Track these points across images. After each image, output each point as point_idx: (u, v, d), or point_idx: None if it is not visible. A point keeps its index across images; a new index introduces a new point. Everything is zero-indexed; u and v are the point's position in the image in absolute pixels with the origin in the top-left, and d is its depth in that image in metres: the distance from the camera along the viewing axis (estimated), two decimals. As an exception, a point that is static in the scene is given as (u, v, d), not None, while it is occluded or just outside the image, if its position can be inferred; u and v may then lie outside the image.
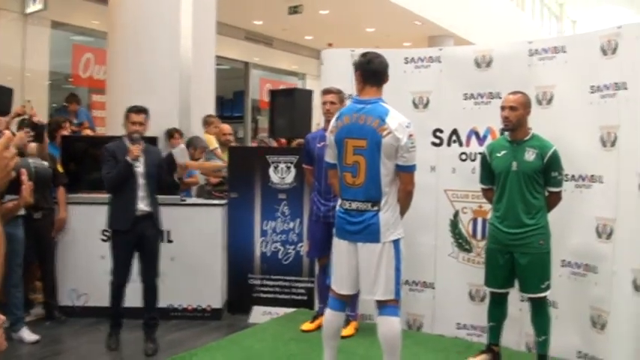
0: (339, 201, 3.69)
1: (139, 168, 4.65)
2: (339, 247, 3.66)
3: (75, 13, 11.04)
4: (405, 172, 3.54)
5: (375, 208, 3.52)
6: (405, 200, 3.61)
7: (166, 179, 4.89)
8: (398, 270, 3.55)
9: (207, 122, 7.47)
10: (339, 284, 3.68)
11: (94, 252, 5.51)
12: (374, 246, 3.51)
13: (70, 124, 6.82)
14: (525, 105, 4.03)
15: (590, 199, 4.18)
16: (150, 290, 4.73)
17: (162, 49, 6.97)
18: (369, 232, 3.51)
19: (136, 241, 4.64)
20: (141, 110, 4.70)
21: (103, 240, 5.49)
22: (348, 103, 4.79)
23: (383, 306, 3.56)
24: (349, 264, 3.61)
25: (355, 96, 3.74)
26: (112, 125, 7.07)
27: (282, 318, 5.37)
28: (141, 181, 4.65)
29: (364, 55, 3.70)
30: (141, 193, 4.65)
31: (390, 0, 12.97)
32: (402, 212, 3.63)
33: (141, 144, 4.64)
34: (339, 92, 4.77)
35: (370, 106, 3.56)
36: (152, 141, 5.76)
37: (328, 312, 3.73)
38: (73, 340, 5.08)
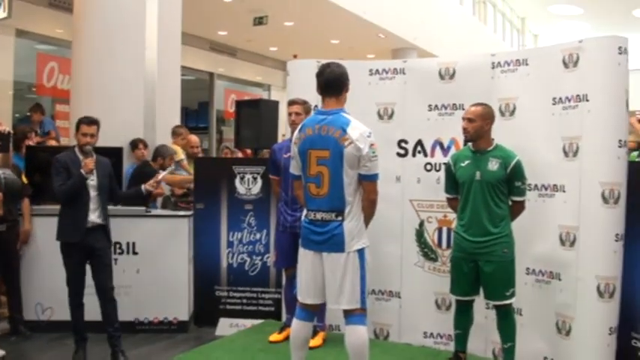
0: (305, 211, 3.72)
1: (92, 180, 4.60)
2: (305, 257, 3.69)
3: (39, 21, 10.84)
4: (368, 182, 3.59)
5: (339, 218, 3.55)
6: (369, 209, 3.66)
7: (117, 190, 4.91)
8: (363, 279, 3.59)
9: (175, 133, 7.43)
10: (305, 294, 3.70)
11: (59, 265, 5.30)
12: (339, 255, 3.55)
13: (36, 134, 6.69)
14: (484, 117, 4.10)
15: (554, 207, 4.27)
16: (107, 302, 4.65)
17: (127, 58, 6.89)
18: (334, 242, 3.55)
19: (86, 253, 4.59)
20: (92, 122, 4.63)
21: (68, 252, 5.41)
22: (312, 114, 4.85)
23: (350, 315, 3.58)
24: (314, 273, 3.63)
25: (319, 108, 3.79)
26: (76, 136, 6.97)
27: (249, 330, 5.33)
28: (92, 193, 4.61)
29: (320, 66, 3.75)
30: (92, 205, 4.61)
31: (354, 13, 13.06)
32: (367, 221, 3.67)
33: (93, 156, 4.59)
34: (304, 103, 4.78)
35: (332, 117, 3.60)
36: (117, 151, 5.74)
37: (295, 322, 3.73)
38: (39, 356, 4.99)
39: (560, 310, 4.22)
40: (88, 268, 4.68)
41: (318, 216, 3.59)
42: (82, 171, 4.49)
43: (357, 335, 3.56)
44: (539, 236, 4.34)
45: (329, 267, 3.57)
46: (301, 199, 3.81)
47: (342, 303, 3.57)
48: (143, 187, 4.89)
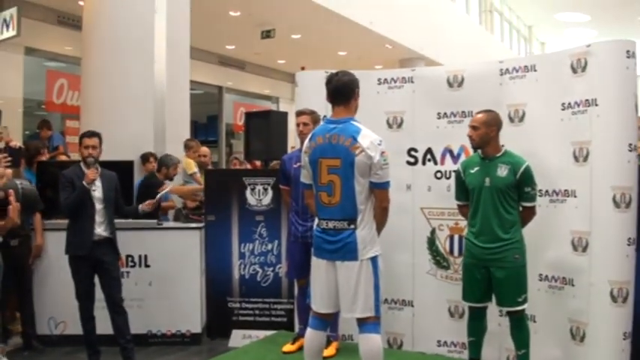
0: (316, 220, 3.72)
1: (96, 192, 4.66)
2: (318, 266, 3.69)
3: (48, 38, 10.97)
4: (379, 189, 3.60)
5: (352, 227, 3.56)
6: (381, 217, 3.66)
7: (122, 205, 4.94)
8: (377, 287, 3.59)
9: (187, 146, 7.52)
10: (319, 303, 3.70)
11: (70, 279, 5.39)
12: (352, 264, 3.55)
13: (48, 150, 6.76)
14: (489, 123, 4.11)
15: (565, 213, 4.26)
16: (118, 314, 4.70)
17: (136, 73, 6.97)
18: (347, 251, 3.56)
19: (94, 266, 4.64)
20: (93, 134, 4.72)
21: (80, 266, 5.44)
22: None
23: (363, 324, 3.58)
24: (328, 283, 3.64)
25: (328, 117, 3.81)
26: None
27: (262, 341, 5.33)
28: (98, 206, 4.66)
29: (328, 76, 3.76)
30: (98, 218, 4.66)
31: (360, 24, 13.12)
32: (379, 229, 3.68)
33: (97, 168, 4.64)
34: (312, 113, 4.81)
35: (342, 125, 3.62)
36: (127, 165, 5.78)
37: (309, 331, 3.73)
38: (52, 370, 5.01)
39: (573, 316, 4.20)
40: (97, 281, 4.73)
41: (331, 225, 3.60)
42: (84, 182, 4.55)
43: (371, 344, 3.55)
44: (551, 242, 4.33)
45: (342, 275, 3.57)
46: (312, 208, 3.82)
47: (356, 311, 3.57)
48: (140, 207, 4.96)
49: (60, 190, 4.62)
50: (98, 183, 4.64)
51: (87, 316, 4.68)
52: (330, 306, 3.68)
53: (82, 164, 4.69)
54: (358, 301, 3.55)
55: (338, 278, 3.60)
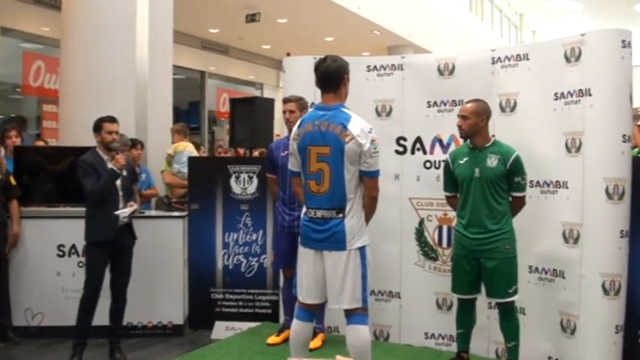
0: (304, 209, 3.74)
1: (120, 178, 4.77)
2: (305, 255, 3.71)
3: (24, 18, 10.82)
4: (369, 178, 3.63)
5: (340, 216, 3.59)
6: (370, 206, 3.70)
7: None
8: (364, 277, 3.62)
9: (182, 132, 7.55)
10: (305, 294, 3.72)
11: (49, 269, 5.42)
12: (340, 254, 3.58)
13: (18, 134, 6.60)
14: (478, 113, 4.15)
15: (556, 204, 4.31)
16: (122, 301, 4.88)
17: (117, 56, 6.90)
18: (335, 240, 3.58)
19: (113, 252, 4.75)
20: (114, 119, 4.80)
21: (59, 256, 5.42)
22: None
23: (351, 315, 3.62)
24: (315, 273, 3.66)
25: (317, 103, 3.82)
26: (66, 136, 6.97)
27: (246, 333, 5.35)
28: (120, 192, 4.77)
29: (317, 61, 3.75)
30: (120, 204, 4.77)
31: (349, 9, 13.11)
32: (367, 218, 3.71)
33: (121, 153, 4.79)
34: (298, 100, 4.80)
35: (331, 112, 3.63)
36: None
37: (295, 323, 3.75)
38: (29, 362, 4.98)
39: (564, 309, 4.25)
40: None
41: (319, 214, 3.62)
42: (114, 167, 4.65)
43: (359, 335, 3.58)
44: (542, 234, 4.38)
45: (330, 265, 3.60)
46: (300, 196, 3.82)
47: (344, 302, 3.60)
48: (110, 166, 4.73)
49: (82, 177, 4.64)
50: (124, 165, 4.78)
51: (92, 306, 4.72)
52: (316, 296, 3.70)
53: (98, 150, 4.75)
54: (345, 291, 3.58)
55: (325, 268, 3.62)
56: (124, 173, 4.76)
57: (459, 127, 4.20)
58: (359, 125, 3.58)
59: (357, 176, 3.61)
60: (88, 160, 4.68)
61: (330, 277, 3.61)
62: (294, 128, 3.81)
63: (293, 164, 3.80)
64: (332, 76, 3.68)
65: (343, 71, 3.71)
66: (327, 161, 3.58)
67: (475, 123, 4.14)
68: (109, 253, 4.74)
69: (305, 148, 3.65)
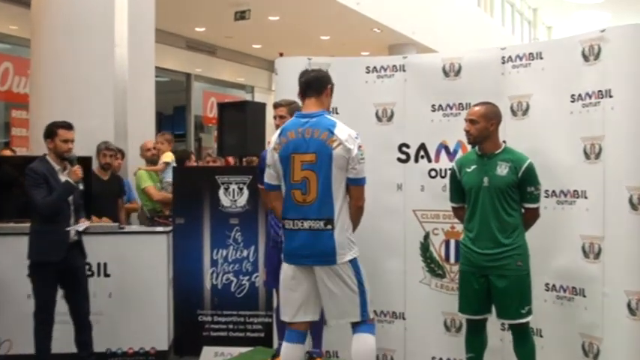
0: (283, 222, 3.85)
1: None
2: (290, 272, 3.79)
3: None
4: (355, 186, 3.79)
5: (329, 227, 3.71)
6: (355, 217, 3.86)
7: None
8: (361, 286, 3.76)
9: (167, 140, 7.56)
10: (293, 312, 3.80)
11: (18, 291, 5.37)
12: (330, 268, 3.70)
13: None
14: (488, 117, 4.15)
15: (574, 216, 4.31)
16: (86, 327, 4.77)
17: (94, 58, 6.92)
18: (324, 254, 3.70)
19: (62, 273, 4.67)
20: (71, 126, 4.77)
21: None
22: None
23: (356, 325, 3.77)
24: (303, 290, 3.77)
25: (298, 112, 4.01)
26: (37, 145, 6.95)
27: (237, 358, 5.33)
28: (72, 206, 4.72)
29: (302, 71, 4.06)
30: (72, 219, 4.72)
31: (346, 5, 13.16)
32: (353, 229, 3.84)
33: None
34: (289, 104, 4.80)
35: (315, 119, 3.80)
36: (85, 162, 5.73)
37: (285, 346, 3.82)
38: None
39: (585, 331, 4.24)
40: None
41: (305, 225, 3.73)
42: (70, 179, 4.60)
43: (363, 343, 3.71)
44: (559, 248, 4.37)
45: (322, 281, 3.71)
46: (278, 211, 3.92)
47: (345, 317, 3.76)
48: (64, 178, 4.71)
49: (31, 188, 4.61)
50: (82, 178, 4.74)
51: (47, 333, 4.67)
52: (306, 314, 3.80)
53: (48, 158, 4.71)
54: (343, 307, 3.72)
55: (318, 284, 3.73)
56: (81, 187, 4.72)
57: (467, 132, 4.19)
58: (345, 131, 3.74)
59: (344, 185, 3.75)
60: (38, 169, 4.64)
61: (325, 294, 3.73)
62: (274, 137, 3.93)
63: (271, 177, 3.93)
64: (315, 83, 3.91)
65: (327, 81, 3.96)
66: (313, 169, 3.71)
67: (484, 128, 4.14)
68: (59, 274, 4.67)
69: (288, 156, 3.77)
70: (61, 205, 4.63)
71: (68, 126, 4.75)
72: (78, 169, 4.66)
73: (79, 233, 4.78)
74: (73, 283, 4.73)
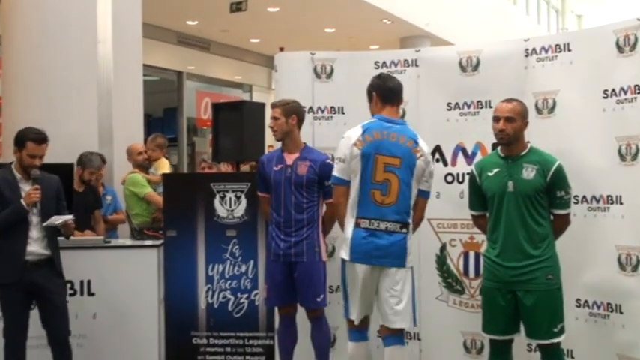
0: (357, 220, 4.21)
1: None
2: (359, 272, 4.18)
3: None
4: (424, 199, 4.36)
5: (404, 231, 4.21)
6: (415, 227, 4.37)
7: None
8: (414, 294, 4.31)
9: (161, 145, 7.56)
10: (361, 313, 4.27)
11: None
12: (399, 271, 4.20)
13: None
14: (523, 115, 4.16)
15: (608, 224, 4.31)
16: (65, 352, 4.71)
17: (74, 55, 6.91)
18: (397, 256, 4.19)
19: (30, 293, 4.62)
20: (43, 139, 4.66)
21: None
22: (309, 116, 4.94)
23: (390, 335, 4.23)
24: (370, 289, 4.22)
25: (377, 114, 4.35)
26: (11, 152, 6.97)
27: (235, 384, 5.34)
28: (34, 219, 4.64)
29: (378, 76, 4.45)
30: (36, 233, 4.64)
31: (353, -6, 13.20)
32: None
33: (39, 183, 4.61)
34: (284, 105, 4.83)
35: (399, 126, 4.30)
36: (66, 169, 5.76)
37: (353, 346, 4.29)
38: None
39: (623, 351, 4.23)
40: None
41: (382, 226, 4.17)
42: (23, 202, 4.53)
43: (399, 354, 4.22)
44: (592, 260, 4.37)
45: (388, 282, 4.18)
46: (342, 209, 4.31)
47: (396, 323, 4.19)
48: (22, 201, 4.61)
49: None
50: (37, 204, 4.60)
51: (19, 350, 4.63)
52: (367, 311, 4.31)
53: (13, 167, 4.68)
54: (402, 311, 4.18)
55: (382, 285, 4.19)
56: (34, 211, 4.59)
57: (502, 131, 4.11)
58: (425, 145, 4.29)
59: (415, 195, 4.25)
60: None
61: (385, 295, 4.19)
62: (354, 133, 4.25)
63: (343, 171, 4.29)
64: (400, 91, 4.40)
65: (402, 87, 4.45)
66: (396, 173, 4.19)
67: (520, 127, 4.14)
68: (24, 294, 4.60)
69: (371, 155, 4.19)
70: (7, 227, 4.53)
71: (40, 140, 4.62)
72: (34, 193, 4.52)
73: (52, 248, 4.68)
74: (47, 306, 4.66)
